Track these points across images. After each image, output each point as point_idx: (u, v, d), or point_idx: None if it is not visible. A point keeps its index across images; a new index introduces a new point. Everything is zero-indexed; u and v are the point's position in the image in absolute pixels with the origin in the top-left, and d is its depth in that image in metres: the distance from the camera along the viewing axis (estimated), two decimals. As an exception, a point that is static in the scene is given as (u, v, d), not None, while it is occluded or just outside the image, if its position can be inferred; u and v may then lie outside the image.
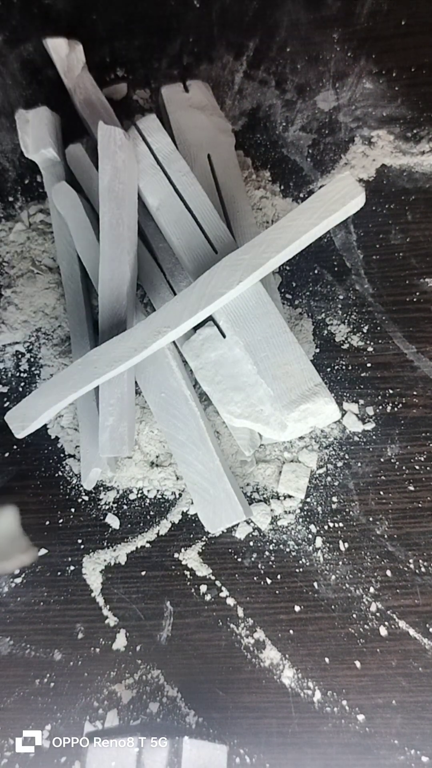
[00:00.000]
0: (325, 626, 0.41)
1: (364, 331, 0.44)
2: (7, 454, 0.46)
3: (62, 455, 0.45)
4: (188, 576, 0.42)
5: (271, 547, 0.42)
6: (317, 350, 0.44)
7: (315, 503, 0.42)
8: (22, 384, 0.46)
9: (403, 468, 0.42)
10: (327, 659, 0.41)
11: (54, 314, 0.46)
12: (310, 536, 0.42)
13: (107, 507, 0.44)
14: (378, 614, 0.41)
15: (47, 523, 0.44)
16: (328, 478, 0.42)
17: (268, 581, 0.42)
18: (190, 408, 0.41)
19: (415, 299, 0.44)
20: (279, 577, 0.42)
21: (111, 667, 0.42)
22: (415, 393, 0.43)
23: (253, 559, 0.42)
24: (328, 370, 0.44)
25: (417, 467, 0.42)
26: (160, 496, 0.44)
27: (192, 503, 0.43)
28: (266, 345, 0.38)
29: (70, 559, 0.44)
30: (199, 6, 0.50)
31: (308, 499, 0.42)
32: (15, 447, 0.46)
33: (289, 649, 0.41)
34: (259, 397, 0.38)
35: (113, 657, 0.42)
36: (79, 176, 0.45)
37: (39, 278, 0.46)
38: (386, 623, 0.40)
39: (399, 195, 0.45)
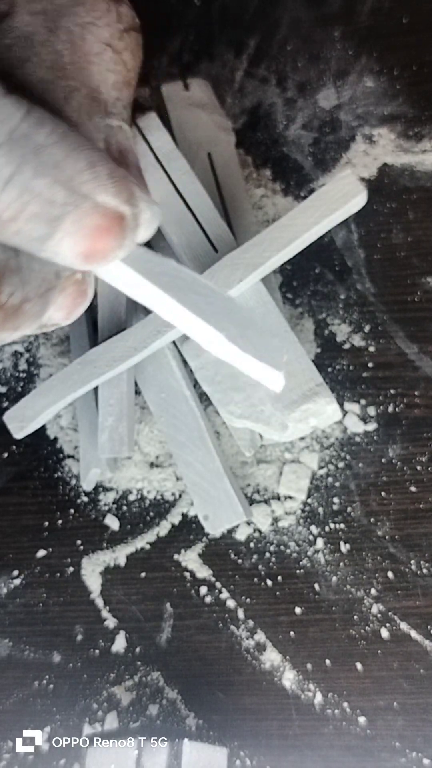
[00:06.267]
0: (326, 628, 0.41)
1: (366, 330, 0.43)
2: (5, 455, 0.45)
3: (61, 456, 0.45)
4: (188, 577, 0.42)
5: (271, 549, 0.42)
6: (318, 350, 0.44)
7: (316, 504, 0.42)
8: (21, 384, 0.46)
9: (405, 469, 0.42)
10: (328, 661, 0.40)
11: (53, 314, 0.46)
12: (311, 537, 0.42)
13: (106, 508, 0.44)
14: (379, 616, 0.40)
15: (46, 524, 0.44)
16: (330, 479, 0.42)
17: (269, 583, 0.41)
18: (190, 408, 0.41)
19: (416, 299, 0.44)
20: (280, 578, 0.41)
21: (110, 669, 0.42)
22: (416, 393, 0.42)
23: (253, 560, 0.42)
24: (330, 370, 0.43)
25: (419, 468, 0.42)
26: (159, 497, 0.43)
27: (192, 504, 0.43)
28: (267, 345, 0.38)
29: (69, 560, 0.43)
30: (199, 4, 0.50)
31: (309, 500, 0.42)
32: (13, 447, 0.45)
33: (290, 651, 0.41)
34: (260, 398, 0.38)
35: (112, 659, 0.42)
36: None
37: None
38: (388, 625, 0.40)
39: (401, 194, 0.45)
